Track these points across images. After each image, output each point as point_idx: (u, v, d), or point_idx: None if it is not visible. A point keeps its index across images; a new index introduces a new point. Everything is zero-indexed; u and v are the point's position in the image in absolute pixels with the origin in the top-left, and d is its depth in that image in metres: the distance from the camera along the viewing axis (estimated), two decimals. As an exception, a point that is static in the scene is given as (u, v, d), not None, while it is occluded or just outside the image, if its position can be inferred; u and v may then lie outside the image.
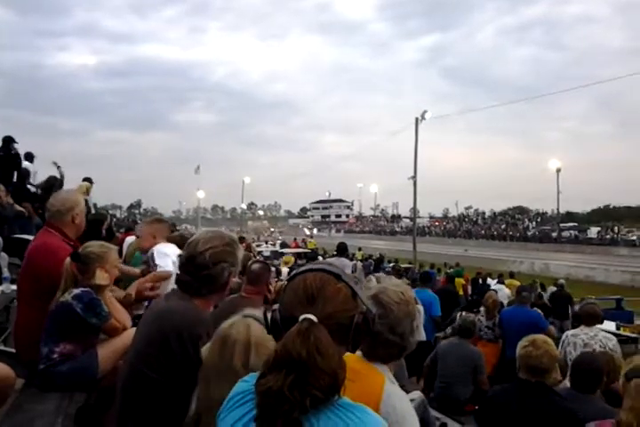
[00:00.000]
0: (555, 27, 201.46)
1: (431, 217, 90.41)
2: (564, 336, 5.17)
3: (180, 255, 2.16)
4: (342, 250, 8.58)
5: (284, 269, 11.30)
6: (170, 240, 4.03)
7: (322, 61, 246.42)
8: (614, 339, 4.96)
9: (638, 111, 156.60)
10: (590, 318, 5.18)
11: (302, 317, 1.12)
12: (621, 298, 14.17)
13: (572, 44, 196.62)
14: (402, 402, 1.78)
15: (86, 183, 9.94)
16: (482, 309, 7.80)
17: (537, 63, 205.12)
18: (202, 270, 2.00)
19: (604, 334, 4.97)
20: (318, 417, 1.06)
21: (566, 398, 3.19)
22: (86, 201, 7.39)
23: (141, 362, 1.92)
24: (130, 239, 6.59)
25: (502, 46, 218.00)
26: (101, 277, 2.85)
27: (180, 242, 3.64)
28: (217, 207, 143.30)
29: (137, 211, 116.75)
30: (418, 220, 47.02)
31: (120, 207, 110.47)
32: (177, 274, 2.11)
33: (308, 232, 71.12)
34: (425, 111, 28.21)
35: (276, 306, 1.25)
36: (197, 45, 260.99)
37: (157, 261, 3.72)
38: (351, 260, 18.93)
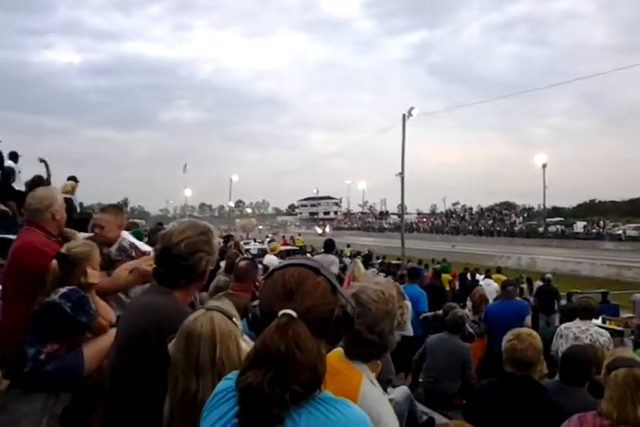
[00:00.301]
0: (539, 23, 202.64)
1: (419, 213, 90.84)
2: (558, 329, 5.23)
3: (154, 248, 2.14)
4: (329, 246, 8.60)
5: (271, 257, 11.22)
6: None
7: (308, 59, 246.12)
8: (607, 334, 4.99)
9: (623, 107, 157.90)
10: (585, 311, 5.24)
11: (281, 312, 1.12)
12: (607, 292, 14.28)
13: (556, 40, 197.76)
14: (378, 403, 1.78)
15: (71, 182, 9.84)
16: (468, 303, 7.85)
17: (522, 60, 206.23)
18: (179, 262, 1.97)
19: (596, 329, 5.01)
20: (299, 412, 1.06)
21: (553, 391, 3.23)
22: (71, 200, 7.34)
23: (124, 360, 1.91)
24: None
25: (488, 43, 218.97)
26: (93, 276, 2.84)
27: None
28: (204, 205, 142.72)
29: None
30: (406, 216, 47.14)
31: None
32: (154, 267, 2.08)
33: (319, 230, 68.33)
34: (412, 108, 28.26)
35: (256, 302, 1.25)
36: (183, 43, 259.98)
37: (142, 247, 3.70)
38: (340, 257, 19.01)
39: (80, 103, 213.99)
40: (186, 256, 1.96)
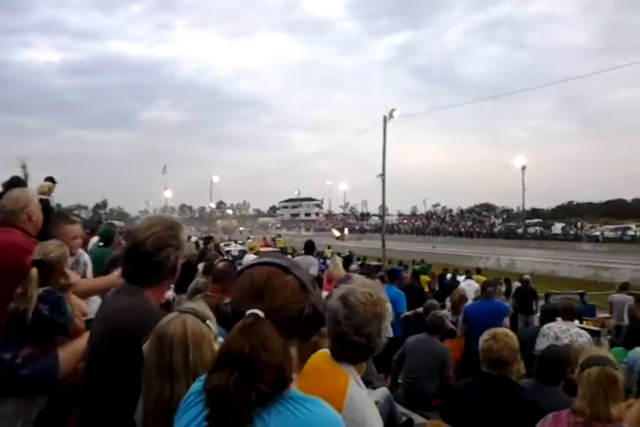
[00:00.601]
0: (520, 26, 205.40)
1: (400, 215, 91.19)
2: (541, 329, 5.30)
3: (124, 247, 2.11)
4: (310, 248, 8.60)
5: (251, 257, 11.16)
6: None
7: (291, 59, 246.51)
8: (587, 335, 5.07)
9: (600, 110, 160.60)
10: (566, 312, 5.34)
11: (248, 312, 1.12)
12: (584, 292, 14.50)
13: (536, 43, 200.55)
14: (364, 405, 1.79)
15: (48, 183, 9.68)
16: (447, 304, 7.90)
17: (503, 62, 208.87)
18: (147, 259, 1.93)
19: (577, 330, 5.09)
20: (269, 411, 1.06)
21: (529, 390, 3.27)
22: (48, 201, 7.23)
23: (97, 362, 1.89)
24: (95, 240, 6.50)
25: (470, 45, 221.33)
26: (71, 277, 2.84)
27: None
28: (185, 207, 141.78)
29: (103, 211, 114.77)
30: (387, 217, 47.29)
31: (85, 208, 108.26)
32: (123, 266, 2.04)
33: (337, 233, 60.31)
34: (393, 110, 28.34)
35: (227, 300, 1.25)
36: (164, 42, 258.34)
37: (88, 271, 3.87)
38: (322, 258, 19.02)
39: (60, 103, 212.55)
40: (153, 253, 1.92)
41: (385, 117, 28.34)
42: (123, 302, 1.95)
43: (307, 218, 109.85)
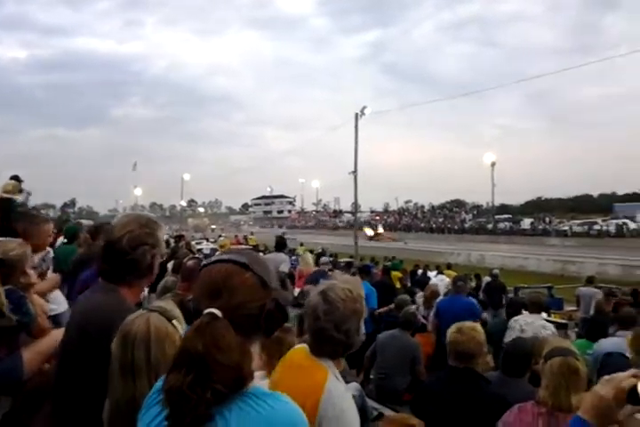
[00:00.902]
0: (489, 24, 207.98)
1: (372, 211, 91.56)
2: (509, 322, 5.39)
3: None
4: (281, 245, 8.59)
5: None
6: None
7: (263, 56, 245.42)
8: (551, 327, 5.19)
9: (568, 107, 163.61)
10: (533, 305, 5.45)
11: (205, 311, 1.12)
12: (552, 286, 14.81)
13: (506, 41, 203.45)
14: (342, 399, 1.81)
15: (12, 182, 9.48)
16: (418, 299, 7.98)
17: (474, 60, 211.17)
18: (122, 257, 1.92)
19: (542, 323, 5.19)
20: (230, 408, 1.06)
21: (496, 383, 3.33)
22: (12, 200, 7.08)
23: (68, 360, 1.87)
24: (62, 239, 6.39)
25: (440, 43, 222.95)
26: (32, 276, 2.79)
27: None
28: (155, 205, 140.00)
29: (71, 210, 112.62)
30: (359, 214, 47.47)
31: (53, 206, 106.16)
32: (100, 264, 2.03)
33: (369, 233, 51.09)
34: (364, 107, 28.52)
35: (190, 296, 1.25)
36: (134, 39, 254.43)
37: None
38: (294, 255, 19.00)
39: (27, 100, 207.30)
40: (128, 251, 1.92)
41: (356, 115, 28.48)
42: (96, 299, 1.94)
43: (279, 215, 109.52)
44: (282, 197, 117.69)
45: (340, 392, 1.82)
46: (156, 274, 2.13)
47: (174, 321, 1.60)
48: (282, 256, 8.08)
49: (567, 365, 2.45)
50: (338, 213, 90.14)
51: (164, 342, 1.52)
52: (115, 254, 1.93)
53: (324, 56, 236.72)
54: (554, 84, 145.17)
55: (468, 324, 3.40)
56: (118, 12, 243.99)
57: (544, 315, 7.92)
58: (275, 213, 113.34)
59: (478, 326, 3.42)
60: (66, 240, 5.91)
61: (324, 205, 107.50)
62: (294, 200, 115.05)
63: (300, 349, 2.01)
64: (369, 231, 52.36)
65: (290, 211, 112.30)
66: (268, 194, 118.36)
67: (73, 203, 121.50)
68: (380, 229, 54.46)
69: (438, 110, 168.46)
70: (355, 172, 28.55)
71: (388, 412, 4.36)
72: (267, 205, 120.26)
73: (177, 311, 1.65)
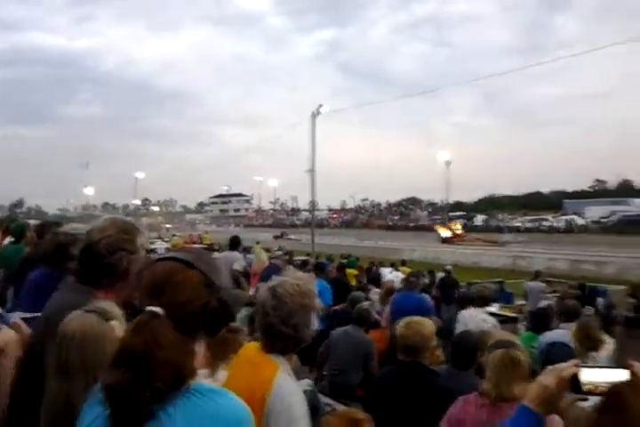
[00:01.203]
0: (444, 24, 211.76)
1: (330, 209, 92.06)
2: (457, 316, 5.51)
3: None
4: (235, 244, 8.55)
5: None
6: None
7: (219, 53, 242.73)
8: (492, 320, 5.31)
9: (521, 106, 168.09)
10: (478, 299, 5.58)
11: (146, 309, 1.11)
12: (502, 281, 15.20)
13: (460, 41, 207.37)
14: (291, 394, 1.82)
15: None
16: (372, 296, 8.05)
17: (428, 59, 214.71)
18: (99, 260, 1.92)
19: (483, 317, 5.31)
20: (175, 405, 1.05)
21: (444, 376, 3.39)
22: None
23: (32, 360, 1.83)
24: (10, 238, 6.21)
25: (396, 42, 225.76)
26: None
27: None
28: (108, 205, 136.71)
29: (19, 210, 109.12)
30: (317, 212, 47.66)
31: (1, 207, 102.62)
32: (76, 266, 2.02)
33: (447, 233, 43.03)
34: (320, 106, 28.59)
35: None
36: (86, 35, 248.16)
37: None
38: (249, 253, 18.88)
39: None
40: (105, 255, 1.91)
41: (313, 113, 28.56)
42: (68, 299, 1.91)
43: (236, 214, 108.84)
44: (239, 195, 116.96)
45: (290, 387, 1.84)
46: (133, 280, 2.12)
47: (113, 321, 1.57)
48: (236, 255, 8.04)
49: (509, 357, 2.52)
50: (295, 212, 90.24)
51: (99, 342, 1.49)
52: (91, 257, 1.93)
53: (280, 54, 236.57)
54: (507, 83, 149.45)
55: (417, 318, 3.46)
56: (70, 7, 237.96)
57: (493, 309, 8.15)
58: (232, 212, 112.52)
59: (427, 320, 3.47)
60: (13, 239, 5.74)
61: (282, 203, 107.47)
62: (252, 198, 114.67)
63: (253, 345, 2.03)
64: (445, 232, 43.25)
65: (247, 209, 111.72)
66: (224, 192, 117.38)
67: (21, 203, 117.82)
68: (459, 229, 44.77)
69: (394, 109, 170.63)
70: (311, 170, 28.64)
71: (340, 407, 4.39)
72: (223, 203, 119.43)
73: (116, 311, 1.63)
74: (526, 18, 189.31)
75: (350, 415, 2.59)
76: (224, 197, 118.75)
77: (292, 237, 45.74)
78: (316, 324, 1.99)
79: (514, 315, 9.78)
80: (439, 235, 43.28)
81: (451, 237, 42.04)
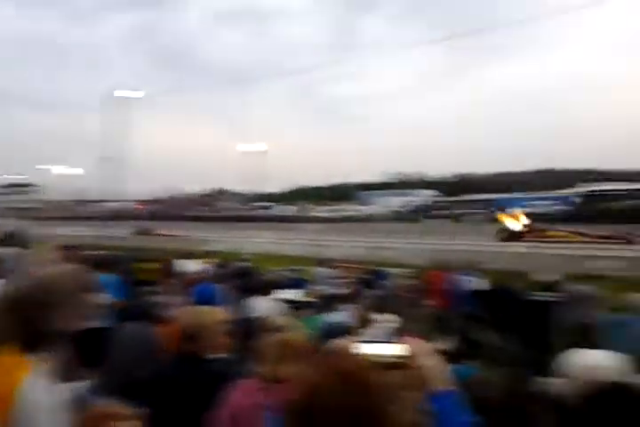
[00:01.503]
0: (261, 17, 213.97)
1: (137, 200, 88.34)
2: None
3: None
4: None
5: None
6: None
7: (18, 30, 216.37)
8: (278, 307, 5.62)
9: (331, 100, 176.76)
10: (268, 286, 5.82)
11: None
12: (300, 268, 15.90)
13: (276, 34, 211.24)
14: (41, 394, 1.74)
15: None
16: (169, 288, 7.85)
17: (245, 49, 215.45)
18: None
19: (271, 304, 5.62)
20: None
21: (222, 362, 3.41)
22: None
23: None
24: None
25: (211, 30, 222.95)
26: None
27: None
28: None
29: None
30: (123, 203, 45.25)
31: None
32: None
33: (512, 225, 29.28)
34: (125, 91, 27.13)
35: None
36: None
37: None
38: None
39: None
40: None
41: (116, 99, 27.07)
42: None
43: (22, 206, 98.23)
44: (27, 185, 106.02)
45: (41, 388, 1.75)
46: None
47: None
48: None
49: (280, 340, 2.63)
50: (97, 202, 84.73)
51: None
52: None
53: (86, 35, 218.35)
54: (317, 78, 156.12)
55: (205, 308, 3.44)
56: None
57: (289, 295, 8.51)
58: (18, 204, 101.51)
59: (212, 309, 3.45)
60: None
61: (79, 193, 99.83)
62: (41, 189, 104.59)
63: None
64: (512, 223, 29.68)
65: (34, 201, 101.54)
66: (4, 183, 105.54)
67: None
68: (525, 220, 30.02)
69: (210, 98, 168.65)
70: (111, 158, 27.13)
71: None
72: (3, 195, 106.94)
73: None
74: (336, 17, 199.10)
75: (110, 411, 2.47)
76: (5, 188, 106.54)
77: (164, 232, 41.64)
78: (100, 322, 1.94)
79: (310, 300, 10.32)
80: (502, 228, 30.07)
81: (521, 233, 28.53)
